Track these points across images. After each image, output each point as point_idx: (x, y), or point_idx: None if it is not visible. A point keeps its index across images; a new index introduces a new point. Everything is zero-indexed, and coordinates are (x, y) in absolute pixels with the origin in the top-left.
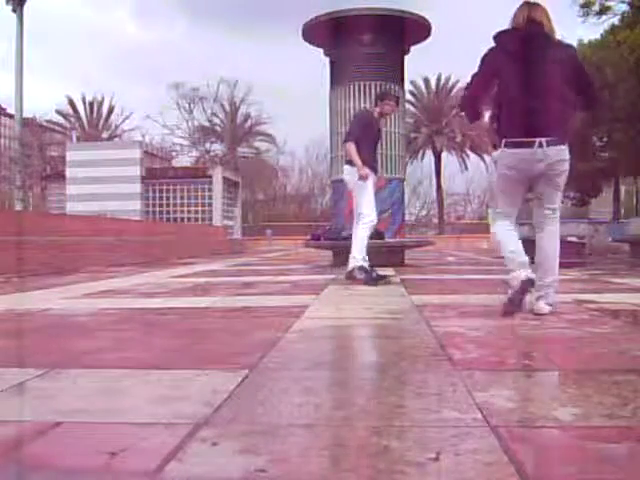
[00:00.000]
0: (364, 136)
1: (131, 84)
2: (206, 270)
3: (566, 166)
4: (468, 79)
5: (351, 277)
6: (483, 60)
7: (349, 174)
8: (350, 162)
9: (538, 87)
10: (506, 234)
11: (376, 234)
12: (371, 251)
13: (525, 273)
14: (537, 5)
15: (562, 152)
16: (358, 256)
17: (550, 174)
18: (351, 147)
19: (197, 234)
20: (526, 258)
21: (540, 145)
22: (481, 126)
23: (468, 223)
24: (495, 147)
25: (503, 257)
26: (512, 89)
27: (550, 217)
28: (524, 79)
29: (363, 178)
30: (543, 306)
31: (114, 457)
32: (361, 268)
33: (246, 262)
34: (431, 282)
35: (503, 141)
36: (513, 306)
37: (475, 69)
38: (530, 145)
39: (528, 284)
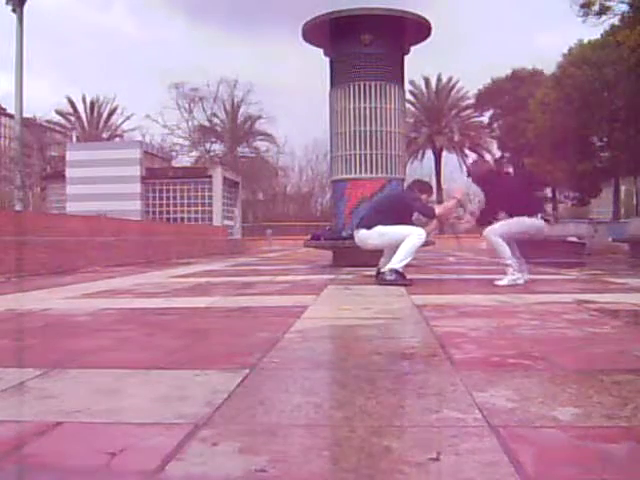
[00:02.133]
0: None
1: (131, 84)
2: (206, 270)
3: None
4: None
5: (382, 280)
6: (490, 191)
7: (367, 238)
8: (367, 226)
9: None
10: (504, 246)
11: None
12: (371, 251)
13: (524, 278)
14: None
15: None
16: (403, 260)
17: None
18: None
19: (197, 234)
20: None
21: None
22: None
23: None
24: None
25: (503, 257)
26: (520, 191)
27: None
28: (523, 184)
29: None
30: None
31: (114, 457)
32: (393, 269)
33: (246, 262)
34: (431, 282)
35: (539, 215)
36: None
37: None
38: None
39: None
